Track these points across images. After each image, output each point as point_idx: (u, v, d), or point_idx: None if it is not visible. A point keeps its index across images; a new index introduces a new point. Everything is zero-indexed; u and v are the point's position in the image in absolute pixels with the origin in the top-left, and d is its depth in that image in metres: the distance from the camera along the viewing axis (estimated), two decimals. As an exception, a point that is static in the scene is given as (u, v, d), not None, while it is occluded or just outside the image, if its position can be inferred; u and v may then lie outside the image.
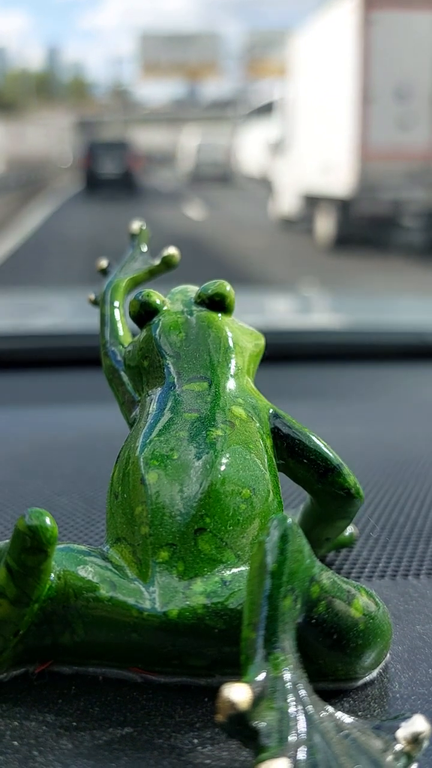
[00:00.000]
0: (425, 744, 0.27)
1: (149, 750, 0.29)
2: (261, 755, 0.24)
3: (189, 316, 0.40)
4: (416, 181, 6.77)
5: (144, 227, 0.52)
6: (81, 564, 0.33)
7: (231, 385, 0.38)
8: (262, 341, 0.42)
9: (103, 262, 0.50)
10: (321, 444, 0.38)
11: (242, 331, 0.41)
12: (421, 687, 0.34)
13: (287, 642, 0.28)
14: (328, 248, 7.50)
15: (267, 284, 5.10)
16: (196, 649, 0.32)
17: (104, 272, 0.50)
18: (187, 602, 0.31)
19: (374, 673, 0.34)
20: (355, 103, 6.75)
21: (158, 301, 0.41)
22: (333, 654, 0.31)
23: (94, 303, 0.48)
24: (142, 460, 0.35)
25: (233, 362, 0.39)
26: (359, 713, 0.32)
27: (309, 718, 0.26)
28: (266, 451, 0.36)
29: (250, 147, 16.48)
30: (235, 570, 0.32)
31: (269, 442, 0.37)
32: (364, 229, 7.28)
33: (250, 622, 0.27)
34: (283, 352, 0.93)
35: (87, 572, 0.32)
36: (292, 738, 0.25)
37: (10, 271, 6.24)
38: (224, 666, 0.32)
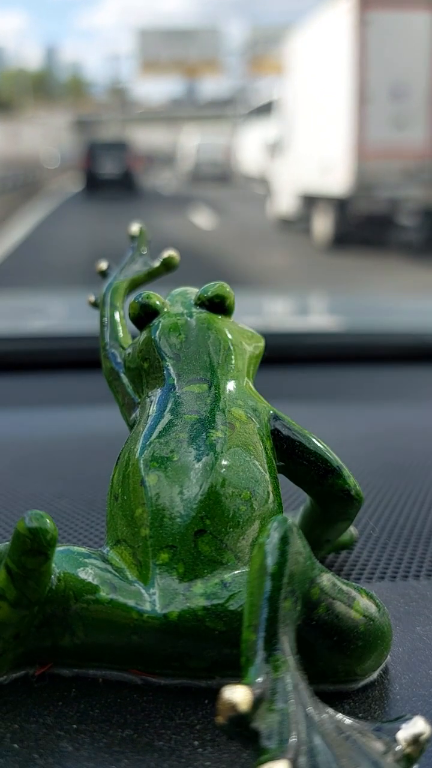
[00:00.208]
0: (426, 746, 0.27)
1: (149, 752, 0.29)
2: (261, 757, 0.24)
3: (189, 318, 0.40)
4: (413, 179, 6.81)
5: (143, 229, 0.52)
6: (81, 566, 0.33)
7: (231, 386, 0.38)
8: (262, 343, 0.42)
9: (103, 264, 0.50)
10: (321, 446, 0.38)
11: (242, 333, 0.41)
12: (422, 688, 0.34)
13: (287, 644, 0.28)
14: (325, 247, 7.52)
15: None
16: (197, 651, 0.31)
17: (104, 274, 0.50)
18: (188, 604, 0.31)
19: (375, 675, 0.34)
20: (352, 102, 6.79)
21: (158, 303, 0.41)
22: (333, 656, 0.31)
23: (94, 305, 0.48)
24: (142, 462, 0.35)
25: (233, 364, 0.39)
26: (360, 715, 0.32)
27: (309, 720, 0.26)
28: (266, 452, 0.36)
29: (250, 146, 16.31)
30: (235, 572, 0.32)
31: (269, 444, 0.37)
32: (362, 227, 7.31)
33: (251, 623, 0.27)
34: (283, 354, 0.93)
35: (87, 574, 0.32)
36: (292, 740, 0.25)
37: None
38: (224, 668, 0.32)
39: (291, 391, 0.85)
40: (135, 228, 0.51)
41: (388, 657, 0.35)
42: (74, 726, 0.31)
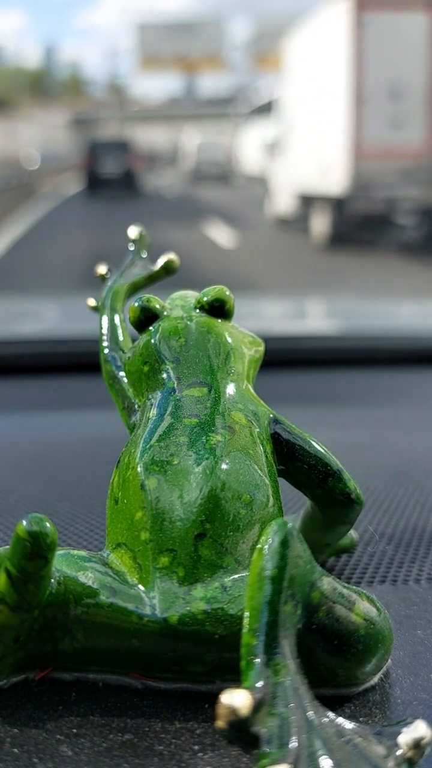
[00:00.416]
0: (427, 750, 0.27)
1: (150, 756, 0.29)
2: (261, 761, 0.24)
3: (189, 322, 0.40)
4: (409, 179, 6.86)
5: (143, 232, 0.52)
6: (81, 570, 0.33)
7: (231, 390, 0.38)
8: (261, 347, 0.42)
9: (103, 268, 0.50)
10: (321, 449, 0.38)
11: (242, 337, 0.41)
12: (423, 692, 0.34)
13: (288, 648, 0.28)
14: (323, 247, 7.53)
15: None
16: (197, 654, 0.31)
17: (104, 278, 0.50)
18: (188, 608, 0.31)
19: (375, 679, 0.34)
20: (349, 103, 6.84)
21: (158, 307, 0.41)
22: (334, 659, 0.31)
23: (94, 309, 0.48)
24: (142, 465, 0.35)
25: (233, 367, 0.39)
26: (360, 719, 0.32)
27: (310, 724, 0.26)
28: (266, 456, 0.36)
29: (251, 146, 16.20)
30: (235, 575, 0.32)
31: (269, 448, 0.37)
32: (359, 227, 7.35)
33: (251, 627, 0.27)
34: (283, 357, 0.93)
35: (87, 578, 0.32)
36: (292, 744, 0.25)
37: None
38: (225, 672, 0.32)
39: (291, 394, 0.85)
40: (135, 231, 0.51)
41: (389, 661, 0.35)
42: (74, 730, 0.31)
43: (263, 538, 0.28)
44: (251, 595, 0.28)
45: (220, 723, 0.24)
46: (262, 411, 0.38)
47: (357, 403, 0.87)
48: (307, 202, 8.32)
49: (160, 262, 0.49)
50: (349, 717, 0.32)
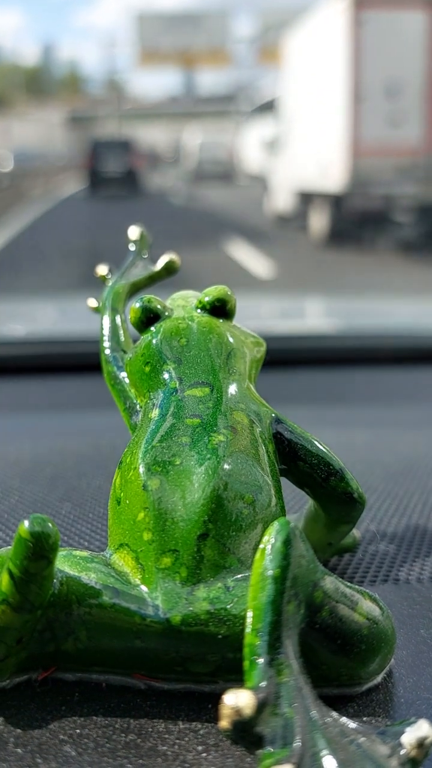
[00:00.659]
0: (431, 749, 0.27)
1: (153, 757, 0.29)
2: (265, 762, 0.24)
3: (190, 322, 0.40)
4: (407, 176, 6.90)
5: (144, 233, 0.52)
6: (84, 570, 0.33)
7: (233, 390, 0.38)
8: (263, 346, 0.42)
9: (103, 269, 0.50)
10: (323, 448, 0.38)
11: (244, 336, 0.41)
12: (426, 692, 0.33)
13: (291, 647, 0.28)
14: (321, 244, 7.53)
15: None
16: (200, 655, 0.31)
17: (104, 279, 0.50)
18: (191, 608, 0.31)
19: (378, 678, 0.34)
20: (347, 100, 6.88)
21: (159, 307, 0.41)
22: (337, 659, 0.31)
23: (95, 309, 0.48)
24: (144, 466, 0.35)
25: (235, 367, 0.39)
26: (364, 718, 0.32)
27: (313, 724, 0.26)
28: (268, 456, 0.36)
29: (254, 145, 16.16)
30: (238, 575, 0.32)
31: (271, 447, 0.37)
32: (357, 224, 7.37)
33: (254, 627, 0.27)
34: (284, 357, 0.93)
35: (90, 579, 0.32)
36: (296, 744, 0.25)
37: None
38: (228, 672, 0.32)
39: (292, 394, 0.85)
40: (135, 232, 0.51)
41: (392, 660, 0.35)
42: (77, 731, 0.31)
43: (266, 537, 0.28)
44: (254, 595, 0.28)
45: (224, 723, 0.24)
46: (264, 411, 0.38)
47: (358, 402, 0.87)
48: (306, 199, 8.37)
49: (161, 262, 0.49)
50: (353, 716, 0.32)
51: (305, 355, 0.99)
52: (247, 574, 0.32)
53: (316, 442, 0.38)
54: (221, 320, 0.41)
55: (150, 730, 0.31)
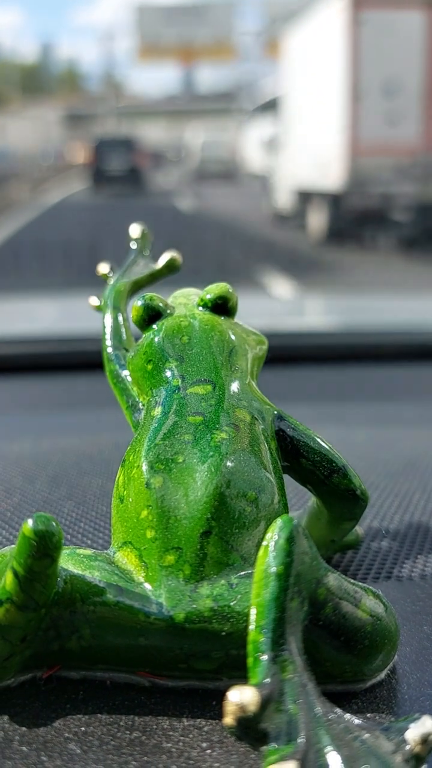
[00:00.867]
0: None
1: (158, 754, 0.29)
2: (270, 758, 0.24)
3: (192, 320, 0.40)
4: (405, 175, 6.93)
5: (146, 231, 0.52)
6: (87, 568, 0.33)
7: (235, 387, 0.38)
8: (265, 344, 0.42)
9: (105, 267, 0.50)
10: (326, 445, 0.38)
11: (245, 334, 0.41)
12: (430, 688, 0.34)
13: (294, 644, 0.28)
14: (320, 242, 7.52)
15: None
16: (204, 652, 0.31)
17: (106, 277, 0.50)
18: (194, 605, 0.31)
19: (382, 675, 0.34)
20: (345, 100, 6.91)
21: (161, 305, 0.41)
22: (340, 656, 0.31)
23: (97, 308, 0.48)
24: (146, 464, 0.35)
25: (237, 365, 0.39)
26: (368, 715, 0.32)
27: (317, 721, 0.26)
28: (271, 453, 0.36)
29: (256, 144, 16.06)
30: (241, 573, 0.32)
31: (274, 445, 0.37)
32: (355, 223, 7.38)
33: (258, 624, 0.27)
34: (286, 354, 0.93)
35: (93, 577, 0.32)
36: (300, 740, 0.25)
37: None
38: (232, 669, 0.32)
39: (295, 391, 0.85)
40: (137, 230, 0.51)
41: (396, 657, 0.35)
42: (82, 728, 0.31)
43: (269, 534, 0.28)
44: (257, 592, 0.28)
45: (228, 720, 0.24)
46: (267, 408, 0.38)
47: (359, 399, 0.87)
48: (305, 198, 8.39)
49: (163, 260, 0.49)
50: (357, 713, 0.32)
51: (307, 353, 0.99)
52: (250, 572, 0.32)
53: (318, 440, 0.38)
54: (223, 318, 0.41)
55: (154, 727, 0.31)
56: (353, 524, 0.40)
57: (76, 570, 0.33)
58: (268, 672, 0.26)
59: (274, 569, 0.28)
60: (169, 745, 0.30)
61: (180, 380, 0.38)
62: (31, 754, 0.29)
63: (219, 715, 0.31)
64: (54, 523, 0.30)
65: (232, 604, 0.31)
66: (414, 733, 0.27)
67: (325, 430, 0.41)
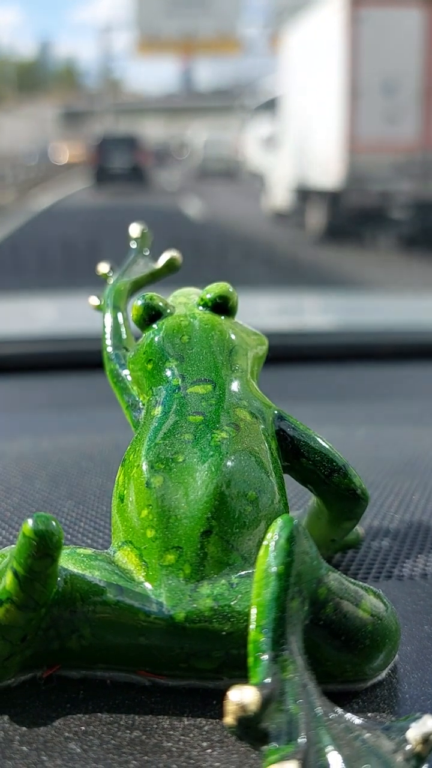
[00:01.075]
0: None
1: (158, 753, 0.29)
2: (270, 757, 0.24)
3: (192, 319, 0.40)
4: (403, 172, 6.96)
5: (145, 230, 0.52)
6: (87, 568, 0.33)
7: (235, 387, 0.38)
8: (265, 343, 0.42)
9: (105, 267, 0.50)
10: (326, 445, 0.38)
11: (245, 333, 0.41)
12: (431, 687, 0.34)
13: (295, 644, 0.28)
14: (318, 240, 7.52)
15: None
16: (204, 651, 0.31)
17: (106, 277, 0.50)
18: (194, 605, 0.31)
19: (383, 674, 0.34)
20: (344, 97, 6.93)
21: (161, 304, 0.41)
22: (341, 655, 0.31)
23: (97, 307, 0.48)
24: (147, 463, 0.35)
25: (237, 364, 0.39)
26: (368, 714, 0.32)
27: (318, 720, 0.26)
28: (271, 452, 0.36)
29: (257, 142, 15.92)
30: (241, 572, 0.32)
31: (274, 444, 0.37)
32: (354, 221, 7.40)
33: (258, 624, 0.27)
34: (287, 354, 0.93)
35: (93, 576, 0.32)
36: (301, 740, 0.25)
37: None
38: (232, 668, 0.32)
39: (295, 391, 0.85)
40: (137, 229, 0.51)
41: (397, 656, 0.35)
42: (82, 728, 0.31)
43: (269, 534, 0.28)
44: (258, 592, 0.28)
45: (229, 719, 0.24)
46: (267, 407, 0.38)
47: (360, 399, 0.87)
48: (303, 195, 8.41)
49: (163, 259, 0.49)
50: (357, 712, 0.32)
51: (307, 352, 0.99)
52: (250, 571, 0.32)
53: (318, 439, 0.38)
54: (223, 317, 0.41)
55: (155, 726, 0.31)
56: (354, 524, 0.40)
57: (76, 569, 0.33)
58: (268, 671, 0.26)
59: (274, 569, 0.28)
60: (170, 744, 0.30)
61: (180, 379, 0.38)
62: (32, 754, 0.29)
63: (219, 714, 0.31)
64: (54, 523, 0.30)
65: (232, 603, 0.31)
66: (415, 732, 0.27)
67: (325, 430, 0.41)
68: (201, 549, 0.32)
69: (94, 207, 11.71)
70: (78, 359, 0.92)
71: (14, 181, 15.07)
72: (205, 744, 0.30)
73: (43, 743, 0.30)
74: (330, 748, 0.25)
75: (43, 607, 0.31)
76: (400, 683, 0.34)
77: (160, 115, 40.38)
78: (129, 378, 0.42)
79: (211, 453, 0.34)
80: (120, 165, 16.99)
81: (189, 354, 0.39)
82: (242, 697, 0.24)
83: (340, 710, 0.27)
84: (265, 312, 1.30)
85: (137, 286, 0.49)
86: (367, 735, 0.27)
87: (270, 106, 10.88)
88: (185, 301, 0.42)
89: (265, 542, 0.28)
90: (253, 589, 0.28)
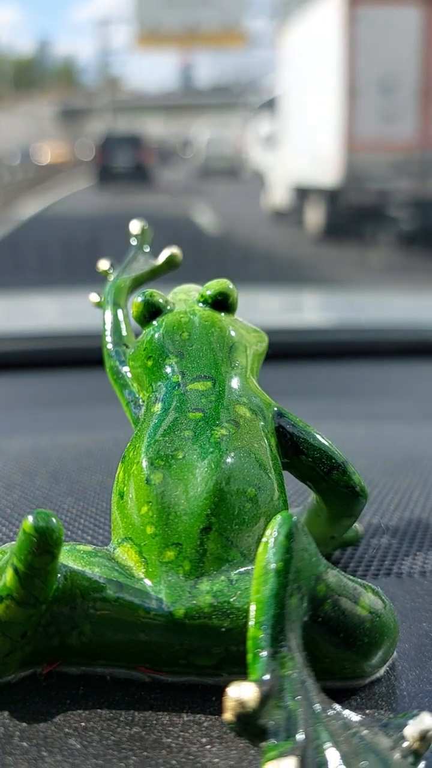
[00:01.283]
0: None
1: (157, 749, 0.30)
2: (269, 754, 0.24)
3: (192, 316, 0.40)
4: (401, 171, 6.98)
5: (146, 227, 0.52)
6: (87, 565, 0.33)
7: (235, 383, 0.38)
8: (265, 340, 0.42)
9: (105, 264, 0.50)
10: (325, 442, 0.38)
11: (245, 330, 0.41)
12: (429, 684, 0.34)
13: (294, 640, 0.28)
14: (317, 239, 7.52)
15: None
16: (203, 648, 0.32)
17: (106, 273, 0.50)
18: (194, 601, 0.31)
19: (381, 671, 0.34)
20: (342, 96, 6.93)
21: (161, 301, 0.41)
22: (340, 652, 0.31)
23: (98, 304, 0.48)
24: (146, 460, 0.35)
25: (237, 361, 0.39)
26: (367, 711, 0.32)
27: (316, 717, 0.26)
28: (271, 449, 0.36)
29: (257, 140, 15.84)
30: (241, 569, 0.32)
31: (274, 441, 0.37)
32: (352, 219, 7.40)
33: (257, 620, 0.27)
34: (286, 350, 0.93)
35: (93, 573, 0.33)
36: (299, 736, 0.25)
37: None
38: (231, 665, 0.32)
39: (295, 387, 0.85)
40: (137, 226, 0.51)
41: (395, 653, 0.35)
42: (82, 724, 0.31)
43: (268, 531, 0.28)
44: (257, 588, 0.28)
45: (228, 715, 0.24)
46: (267, 404, 0.38)
47: (360, 396, 0.87)
48: (302, 194, 8.43)
49: (163, 256, 0.49)
50: (356, 709, 0.32)
51: (307, 349, 0.99)
52: (250, 568, 0.32)
53: (318, 436, 0.38)
54: (223, 314, 0.41)
55: (154, 722, 0.31)
56: (353, 521, 0.40)
57: (76, 566, 0.33)
58: (267, 668, 0.26)
59: (273, 566, 0.28)
60: (169, 740, 0.30)
61: (180, 376, 0.38)
62: (32, 750, 0.29)
63: (219, 710, 0.31)
64: (54, 520, 0.30)
65: (231, 600, 0.31)
66: (412, 729, 0.27)
67: (324, 427, 0.41)
68: (200, 546, 0.32)
69: (89, 213, 10.55)
70: (78, 356, 0.92)
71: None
72: (204, 740, 0.30)
73: (43, 739, 0.30)
74: (328, 744, 0.25)
75: (44, 603, 0.31)
76: (398, 680, 0.34)
77: (160, 112, 40.19)
78: (129, 375, 0.42)
79: (211, 450, 0.35)
80: (123, 164, 17.08)
81: (189, 351, 0.39)
82: (241, 693, 0.24)
83: (338, 707, 0.28)
84: (265, 309, 1.30)
85: (137, 283, 0.49)
86: (365, 732, 0.27)
87: (273, 104, 10.90)
88: (185, 297, 0.42)
89: (264, 539, 0.28)
90: (252, 586, 0.28)
